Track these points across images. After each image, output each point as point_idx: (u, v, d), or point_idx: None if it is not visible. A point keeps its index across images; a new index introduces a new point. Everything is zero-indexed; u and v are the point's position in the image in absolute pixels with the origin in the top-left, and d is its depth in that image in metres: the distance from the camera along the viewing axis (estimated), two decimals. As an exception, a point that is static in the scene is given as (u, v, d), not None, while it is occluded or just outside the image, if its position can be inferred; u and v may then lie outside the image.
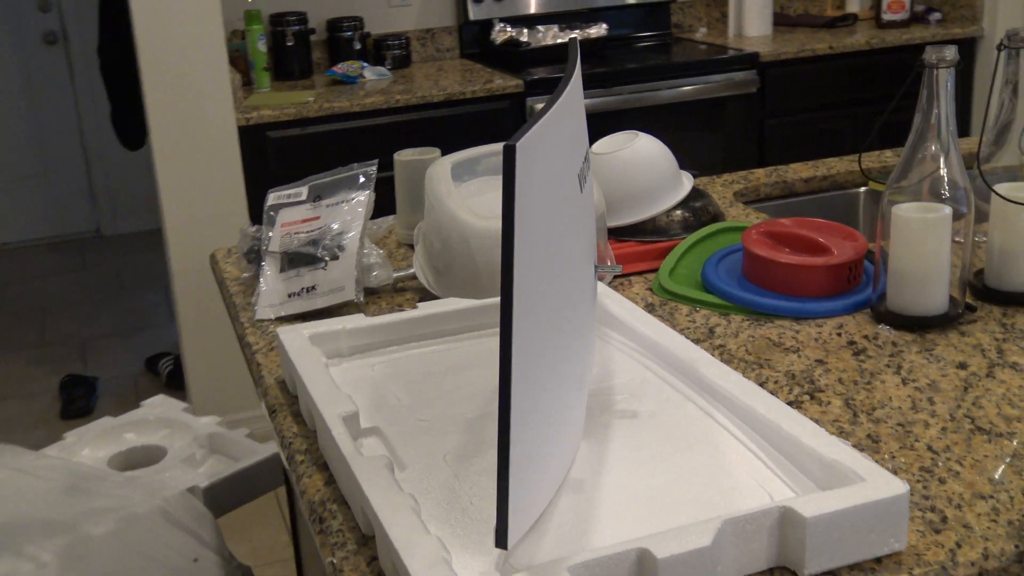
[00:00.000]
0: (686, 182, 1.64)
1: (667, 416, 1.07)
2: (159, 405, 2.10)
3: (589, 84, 3.35)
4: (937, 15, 3.92)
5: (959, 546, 0.90)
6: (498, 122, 3.28)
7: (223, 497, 1.83)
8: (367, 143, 3.13)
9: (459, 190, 1.45)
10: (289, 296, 1.47)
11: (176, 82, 2.92)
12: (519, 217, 0.78)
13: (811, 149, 3.62)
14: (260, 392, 1.28)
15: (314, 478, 1.05)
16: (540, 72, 3.39)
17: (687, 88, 3.46)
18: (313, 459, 1.09)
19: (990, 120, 1.38)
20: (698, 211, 1.62)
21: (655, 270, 1.54)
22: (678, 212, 1.60)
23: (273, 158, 3.05)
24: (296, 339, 1.23)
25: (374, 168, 1.58)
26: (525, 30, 3.68)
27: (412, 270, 1.53)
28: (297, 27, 3.47)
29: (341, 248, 1.48)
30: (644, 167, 1.58)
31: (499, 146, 1.58)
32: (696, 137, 3.52)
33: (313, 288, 1.46)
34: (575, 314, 0.97)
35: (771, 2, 3.88)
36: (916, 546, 0.90)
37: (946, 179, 1.29)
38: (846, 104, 3.69)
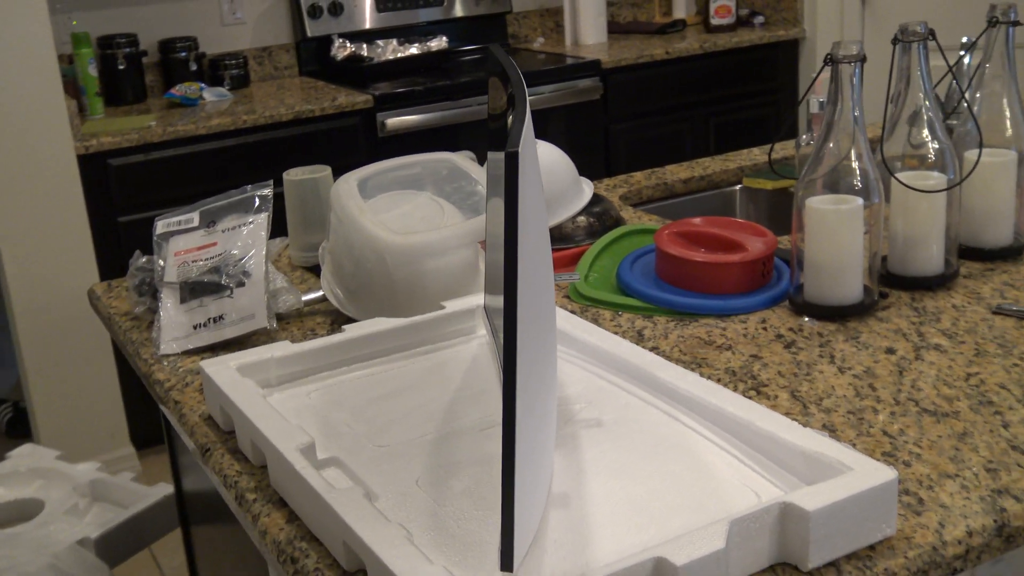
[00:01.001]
0: (586, 188, 1.63)
1: (632, 422, 1.05)
2: (28, 455, 1.96)
3: (434, 98, 3.33)
4: (761, 18, 4.07)
5: (943, 526, 0.92)
6: (350, 139, 3.21)
7: (117, 546, 1.72)
8: (217, 166, 3.02)
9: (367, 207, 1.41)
10: (195, 328, 1.39)
11: (6, 110, 2.75)
12: (521, 228, 0.75)
13: (654, 152, 3.70)
14: (185, 432, 1.20)
15: (273, 516, 0.99)
16: (384, 87, 3.35)
17: (532, 97, 3.47)
18: (267, 497, 1.02)
19: (889, 112, 1.42)
20: (601, 216, 1.61)
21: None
22: (582, 218, 1.60)
23: (116, 187, 2.90)
24: (223, 372, 1.16)
25: (269, 189, 1.52)
26: (365, 45, 3.63)
27: (321, 292, 1.47)
28: (128, 49, 3.32)
29: (247, 274, 1.41)
30: (547, 174, 1.57)
31: (402, 160, 1.54)
32: (543, 146, 3.53)
33: (221, 318, 1.38)
34: (549, 324, 0.94)
35: (605, 10, 3.95)
36: (903, 530, 0.91)
37: (857, 170, 1.33)
38: (685, 107, 3.78)
